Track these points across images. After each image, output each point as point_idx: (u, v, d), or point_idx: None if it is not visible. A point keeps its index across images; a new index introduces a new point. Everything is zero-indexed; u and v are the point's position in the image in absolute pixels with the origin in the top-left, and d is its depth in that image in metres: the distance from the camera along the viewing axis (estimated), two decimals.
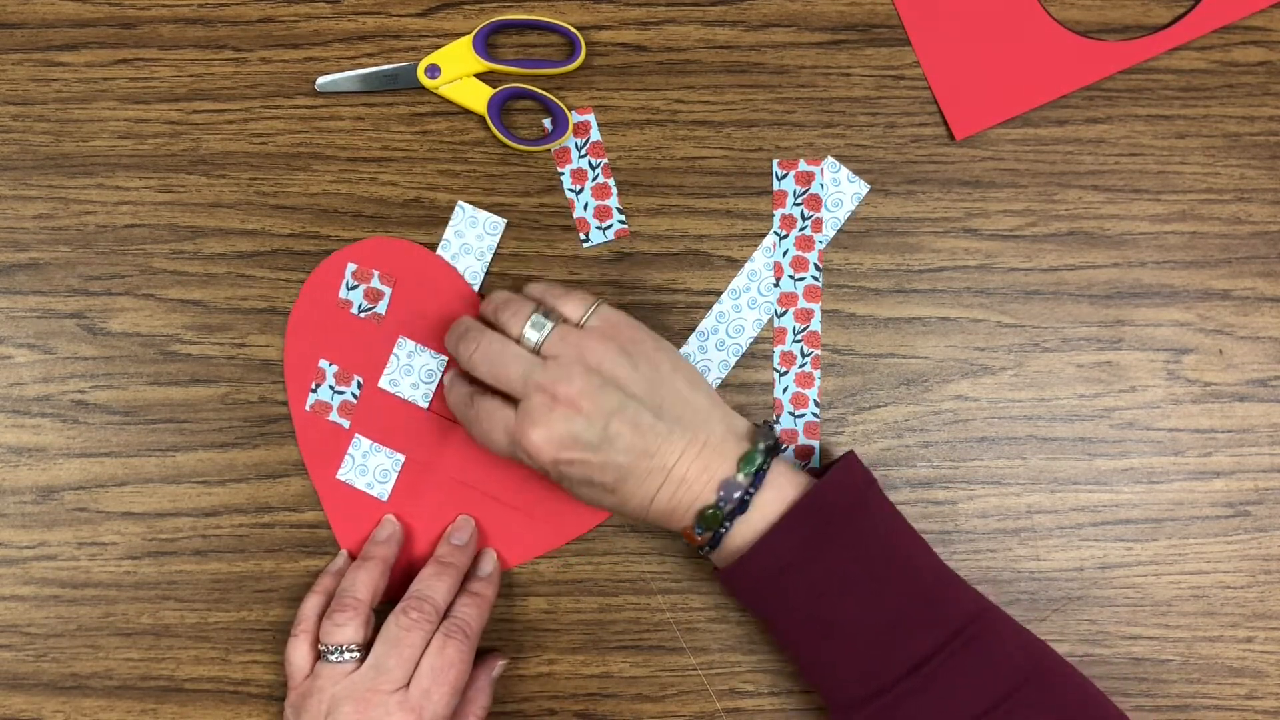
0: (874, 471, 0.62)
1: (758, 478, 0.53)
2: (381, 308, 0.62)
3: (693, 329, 0.62)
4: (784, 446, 0.59)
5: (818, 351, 0.62)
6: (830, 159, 0.63)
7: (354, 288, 0.62)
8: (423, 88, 0.63)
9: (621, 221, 0.63)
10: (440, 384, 0.62)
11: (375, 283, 0.62)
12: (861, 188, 0.62)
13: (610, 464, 0.53)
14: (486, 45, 0.63)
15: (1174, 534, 0.62)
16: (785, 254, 0.62)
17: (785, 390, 0.62)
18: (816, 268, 0.62)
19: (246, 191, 0.63)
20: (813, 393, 0.62)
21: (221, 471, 0.63)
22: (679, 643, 0.62)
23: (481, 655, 0.60)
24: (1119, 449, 0.62)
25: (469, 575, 0.60)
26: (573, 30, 0.62)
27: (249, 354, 0.63)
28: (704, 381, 0.56)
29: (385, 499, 0.62)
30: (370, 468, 0.62)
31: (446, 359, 0.62)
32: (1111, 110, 0.63)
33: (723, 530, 0.53)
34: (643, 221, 0.63)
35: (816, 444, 0.62)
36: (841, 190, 0.62)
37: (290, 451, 0.62)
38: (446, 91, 0.62)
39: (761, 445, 0.54)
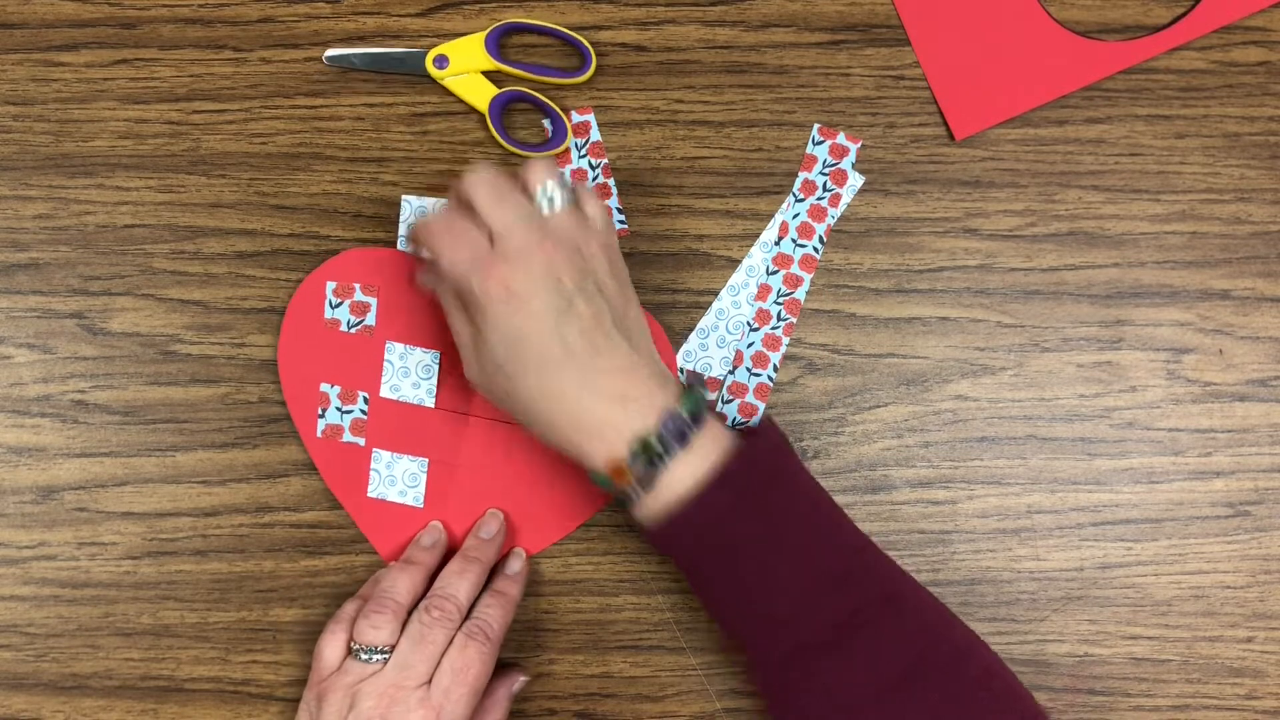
0: (874, 472, 0.62)
1: (697, 418, 0.52)
2: (370, 319, 0.62)
3: (693, 328, 0.62)
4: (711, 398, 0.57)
5: (793, 320, 0.62)
6: (817, 133, 0.63)
7: (338, 305, 0.62)
8: (427, 79, 0.63)
9: (621, 221, 0.63)
10: (438, 371, 0.62)
11: (359, 295, 0.62)
12: (856, 179, 0.62)
13: (556, 338, 0.51)
14: (498, 46, 0.63)
15: (1174, 534, 0.62)
16: (796, 216, 0.62)
17: (750, 345, 0.62)
18: (821, 240, 0.62)
19: (246, 191, 0.63)
20: (775, 357, 0.62)
21: (221, 471, 0.63)
22: (679, 643, 0.62)
23: (504, 668, 0.60)
24: (1119, 449, 0.62)
25: (496, 571, 0.60)
26: (585, 43, 0.62)
27: (249, 354, 0.63)
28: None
29: (421, 505, 0.62)
30: (398, 477, 0.62)
31: (440, 353, 0.62)
32: (1111, 110, 0.63)
33: (660, 464, 0.51)
34: (643, 221, 0.63)
35: (762, 406, 0.62)
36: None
37: (290, 451, 0.62)
38: (451, 84, 0.62)
39: (700, 389, 0.53)
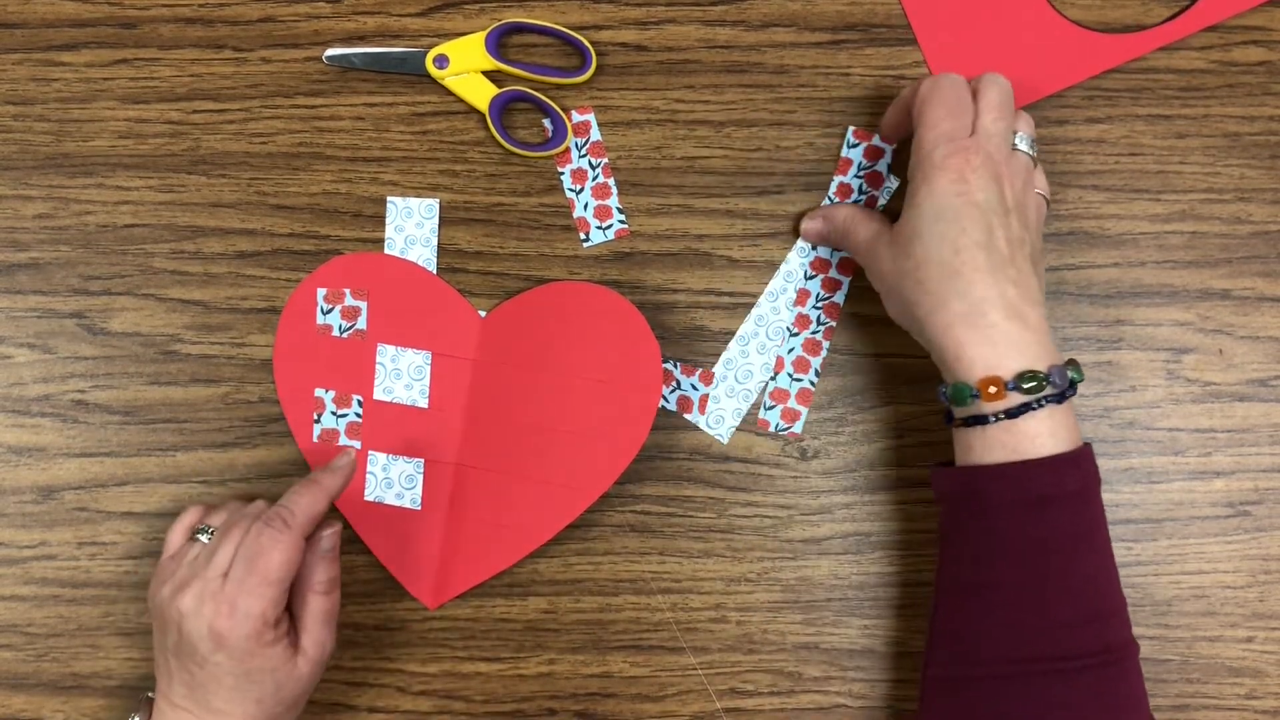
0: (874, 471, 0.62)
1: (1073, 386, 0.51)
2: (361, 323, 0.62)
3: (694, 328, 0.62)
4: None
5: (833, 324, 0.62)
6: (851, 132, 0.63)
7: (329, 311, 0.62)
8: (427, 79, 0.63)
9: (621, 221, 0.63)
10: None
11: (349, 300, 0.62)
12: (892, 182, 0.62)
13: (984, 230, 0.51)
14: (498, 45, 0.63)
15: (1174, 534, 0.62)
16: None
17: (791, 351, 0.62)
18: None
19: (246, 191, 0.63)
20: (816, 361, 0.62)
21: (221, 471, 0.63)
22: (679, 643, 0.62)
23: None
24: (1119, 449, 0.62)
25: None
26: (585, 43, 0.62)
27: (249, 354, 0.63)
28: None
29: (418, 506, 0.62)
30: (395, 479, 0.62)
31: (432, 354, 0.62)
32: (1111, 110, 0.63)
33: (1033, 406, 0.50)
34: (643, 221, 0.63)
35: (805, 410, 0.62)
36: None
37: (291, 451, 0.62)
38: (451, 84, 0.62)
39: (1055, 382, 0.51)
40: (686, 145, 0.63)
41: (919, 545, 0.62)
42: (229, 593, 0.52)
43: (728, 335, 0.63)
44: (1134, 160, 0.63)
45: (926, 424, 0.62)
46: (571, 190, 0.63)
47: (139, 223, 0.63)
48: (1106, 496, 0.62)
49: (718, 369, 0.62)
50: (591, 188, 0.63)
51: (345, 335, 0.62)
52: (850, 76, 0.63)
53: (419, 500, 0.62)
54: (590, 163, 0.63)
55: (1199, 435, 0.62)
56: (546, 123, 0.63)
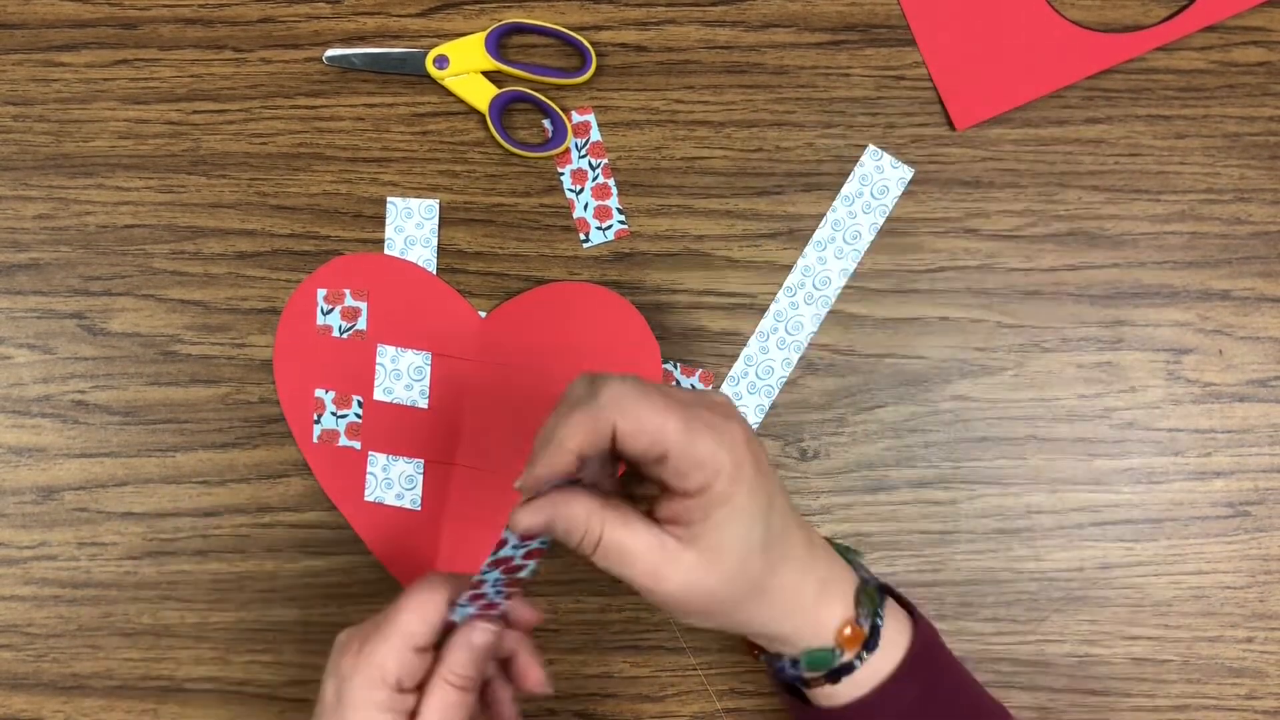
0: (874, 472, 0.62)
1: (879, 615, 0.49)
2: (361, 323, 0.62)
3: (694, 329, 0.62)
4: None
5: None
6: (871, 146, 0.62)
7: (329, 311, 0.62)
8: (427, 79, 0.63)
9: (621, 221, 0.63)
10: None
11: (349, 300, 0.62)
12: (906, 172, 0.62)
13: (790, 508, 0.47)
14: (498, 46, 0.63)
15: (1174, 534, 0.62)
16: None
17: None
18: None
19: (246, 191, 0.63)
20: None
21: (221, 471, 0.63)
22: (679, 643, 0.62)
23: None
24: (1119, 449, 0.62)
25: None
26: (585, 43, 0.62)
27: (249, 354, 0.63)
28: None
29: (418, 507, 0.62)
30: (395, 479, 0.62)
31: (431, 354, 0.62)
32: (1111, 110, 0.63)
33: (856, 663, 0.47)
34: (643, 221, 0.63)
35: None
36: (886, 177, 0.62)
37: (291, 451, 0.62)
38: (451, 84, 0.62)
39: (873, 583, 0.49)
40: (686, 145, 0.63)
41: (918, 545, 0.62)
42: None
43: (728, 335, 0.63)
44: (1134, 160, 0.63)
45: (926, 424, 0.62)
46: (571, 190, 0.63)
47: (139, 223, 0.63)
48: (1106, 497, 0.62)
49: (738, 366, 0.62)
50: (591, 188, 0.63)
51: (345, 336, 0.62)
52: (850, 77, 0.63)
53: (419, 500, 0.62)
54: (590, 163, 0.63)
55: (1199, 435, 0.62)
56: (546, 123, 0.63)
